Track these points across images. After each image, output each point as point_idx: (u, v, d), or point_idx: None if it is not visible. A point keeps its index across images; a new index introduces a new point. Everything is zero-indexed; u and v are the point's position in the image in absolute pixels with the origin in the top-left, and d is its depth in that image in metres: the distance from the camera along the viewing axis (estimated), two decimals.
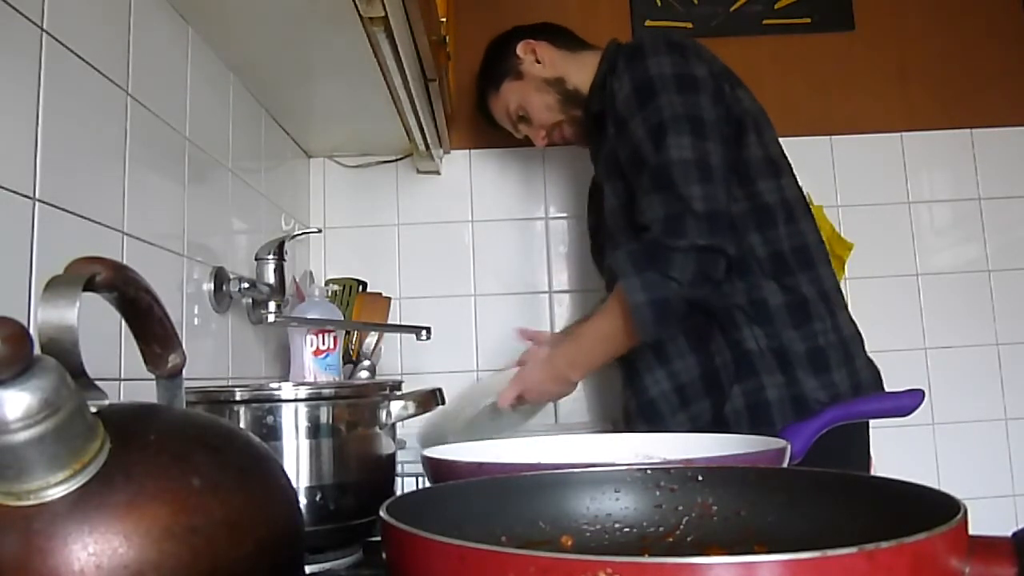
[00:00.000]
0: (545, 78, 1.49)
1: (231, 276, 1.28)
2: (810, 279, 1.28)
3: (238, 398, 0.70)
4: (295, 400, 0.70)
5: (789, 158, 1.37)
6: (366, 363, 1.66)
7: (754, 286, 1.26)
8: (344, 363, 1.60)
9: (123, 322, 0.47)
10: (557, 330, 1.88)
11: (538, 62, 1.49)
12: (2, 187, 0.74)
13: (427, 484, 0.60)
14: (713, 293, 1.22)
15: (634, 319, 1.19)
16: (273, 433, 0.69)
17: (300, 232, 1.51)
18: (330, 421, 0.71)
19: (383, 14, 1.09)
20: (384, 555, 0.38)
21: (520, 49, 1.51)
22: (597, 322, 1.30)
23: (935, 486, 0.39)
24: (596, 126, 1.43)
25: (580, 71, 1.46)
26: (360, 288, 1.82)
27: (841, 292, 1.34)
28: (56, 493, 0.37)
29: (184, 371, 0.50)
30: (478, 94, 1.63)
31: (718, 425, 1.25)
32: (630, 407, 1.38)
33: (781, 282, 1.27)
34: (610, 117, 1.33)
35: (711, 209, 1.18)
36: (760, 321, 1.25)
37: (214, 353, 1.27)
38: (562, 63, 1.48)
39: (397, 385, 0.78)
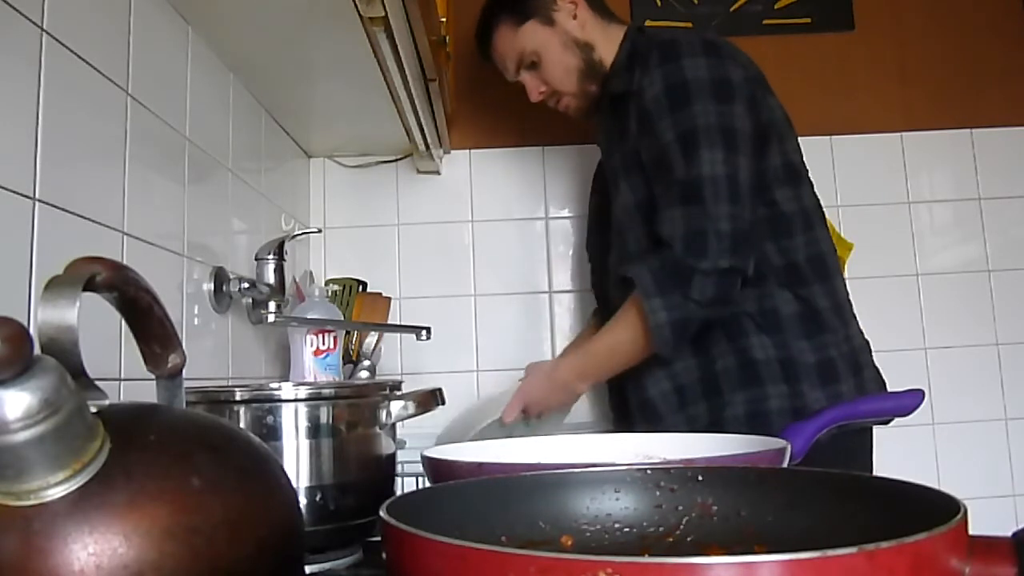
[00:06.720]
0: (576, 38, 1.40)
1: (231, 276, 1.28)
2: (825, 291, 1.27)
3: (238, 398, 0.70)
4: (295, 400, 0.70)
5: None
6: (366, 363, 1.66)
7: (766, 294, 1.25)
8: (344, 363, 1.60)
9: (123, 322, 0.47)
10: (556, 329, 1.89)
11: (574, 18, 1.40)
12: (2, 187, 0.74)
13: (427, 484, 0.60)
14: (727, 311, 1.23)
15: (655, 337, 1.20)
16: (273, 433, 0.69)
17: (300, 232, 1.51)
18: (330, 421, 0.71)
19: (383, 14, 1.09)
20: (384, 555, 0.38)
21: None
22: (610, 334, 1.28)
23: (935, 486, 0.39)
24: (612, 107, 1.39)
25: (607, 44, 1.40)
26: (360, 288, 1.82)
27: (851, 302, 1.33)
28: (56, 493, 0.37)
29: (184, 371, 0.50)
30: (484, 17, 1.47)
31: (715, 429, 1.24)
32: (630, 404, 1.38)
33: (795, 292, 1.26)
34: (634, 111, 1.30)
35: (736, 229, 1.18)
36: (769, 330, 1.24)
37: (214, 353, 1.27)
38: (594, 29, 1.40)
39: (397, 385, 0.78)
